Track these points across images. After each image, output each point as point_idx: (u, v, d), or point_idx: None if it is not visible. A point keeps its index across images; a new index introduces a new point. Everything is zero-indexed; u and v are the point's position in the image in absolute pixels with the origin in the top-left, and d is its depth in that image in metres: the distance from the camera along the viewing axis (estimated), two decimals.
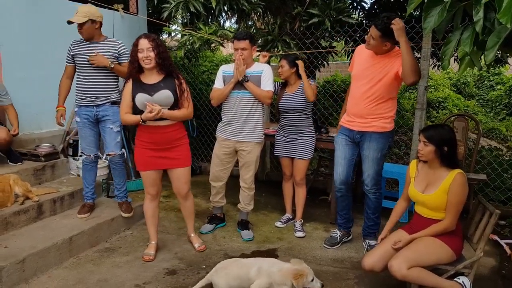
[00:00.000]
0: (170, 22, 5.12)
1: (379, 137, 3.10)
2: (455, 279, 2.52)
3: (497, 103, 10.54)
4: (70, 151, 4.36)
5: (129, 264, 3.08)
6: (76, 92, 3.46)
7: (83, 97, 3.42)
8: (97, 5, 4.73)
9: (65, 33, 4.42)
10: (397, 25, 2.77)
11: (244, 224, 3.68)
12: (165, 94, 2.89)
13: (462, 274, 2.53)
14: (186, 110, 2.99)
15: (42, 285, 2.77)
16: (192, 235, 3.40)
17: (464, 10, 1.86)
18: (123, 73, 3.33)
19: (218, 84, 3.45)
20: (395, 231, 2.72)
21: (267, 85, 3.35)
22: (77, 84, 3.46)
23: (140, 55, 2.86)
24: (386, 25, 2.81)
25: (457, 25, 1.92)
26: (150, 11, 6.34)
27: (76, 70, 3.47)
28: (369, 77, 3.04)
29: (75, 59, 3.44)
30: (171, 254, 3.26)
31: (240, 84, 3.32)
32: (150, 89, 2.90)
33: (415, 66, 2.80)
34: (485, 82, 11.85)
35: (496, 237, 3.58)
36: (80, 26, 3.32)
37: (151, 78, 2.95)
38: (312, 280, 2.47)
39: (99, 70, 3.37)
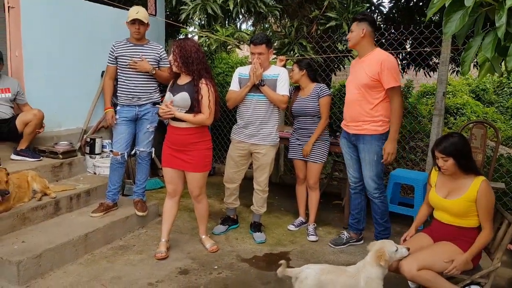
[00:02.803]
0: (188, 24, 5.16)
1: (371, 139, 3.15)
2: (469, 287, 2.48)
3: None
4: (88, 149, 4.44)
5: (143, 262, 3.12)
6: (119, 93, 3.56)
7: (127, 98, 3.52)
8: (116, 6, 4.84)
9: (84, 33, 4.54)
10: None
11: (256, 226, 3.68)
12: (182, 96, 2.95)
13: (478, 284, 2.48)
14: (202, 116, 2.97)
15: (57, 280, 2.82)
16: (203, 237, 3.41)
17: (486, 15, 1.83)
18: (163, 78, 3.49)
19: (234, 86, 3.47)
20: (416, 234, 2.70)
21: (283, 89, 3.34)
22: (120, 84, 3.56)
23: (170, 57, 3.03)
24: (359, 16, 3.15)
25: (478, 31, 1.89)
26: (168, 12, 6.42)
27: (119, 70, 3.55)
28: (354, 82, 3.18)
29: (118, 60, 3.52)
30: (184, 254, 3.28)
31: (256, 87, 3.33)
32: (176, 90, 3.02)
33: None
34: (505, 89, 11.62)
35: None
36: (139, 26, 3.45)
37: (182, 79, 3.06)
38: (397, 250, 2.37)
39: (141, 72, 3.49)
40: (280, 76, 3.36)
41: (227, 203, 3.72)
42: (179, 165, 3.10)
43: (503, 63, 1.86)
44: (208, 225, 3.52)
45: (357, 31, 3.11)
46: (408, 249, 2.41)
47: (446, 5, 1.81)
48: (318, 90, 3.57)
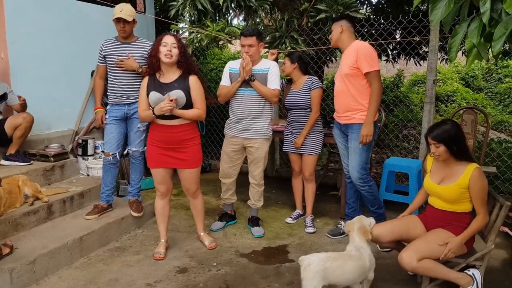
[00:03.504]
0: (178, 20, 5.12)
1: (358, 128, 3.20)
2: (465, 271, 2.51)
3: (506, 96, 10.40)
4: (80, 151, 4.40)
5: (140, 263, 3.10)
6: (109, 91, 3.53)
7: (116, 96, 3.48)
8: (104, 4, 4.79)
9: (74, 33, 4.49)
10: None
11: (254, 221, 3.68)
12: (178, 94, 2.88)
13: (473, 266, 2.51)
14: (199, 111, 2.97)
15: (53, 285, 2.78)
16: (202, 234, 3.40)
17: (471, 2, 1.83)
18: None
19: (225, 81, 3.45)
20: (408, 215, 2.76)
21: (274, 83, 3.33)
22: (109, 83, 3.52)
23: (162, 49, 2.87)
24: (336, 17, 3.39)
25: (464, 17, 1.89)
26: (158, 9, 6.36)
27: (108, 69, 3.52)
28: (339, 74, 3.31)
29: (107, 59, 3.49)
30: (181, 252, 3.27)
31: (246, 82, 3.31)
32: (164, 88, 2.91)
33: None
34: (493, 75, 11.69)
35: (506, 229, 3.55)
36: (124, 24, 3.39)
37: (167, 76, 2.96)
38: (370, 222, 2.62)
39: (129, 70, 3.44)
40: (271, 70, 3.34)
41: (224, 199, 3.72)
42: (172, 163, 3.06)
43: (490, 49, 1.87)
44: (206, 222, 3.51)
45: (336, 29, 3.27)
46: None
47: None
48: (310, 83, 3.56)
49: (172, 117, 2.91)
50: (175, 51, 2.88)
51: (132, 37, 3.52)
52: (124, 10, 3.36)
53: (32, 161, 3.85)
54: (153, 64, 2.95)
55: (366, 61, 3.10)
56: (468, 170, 2.43)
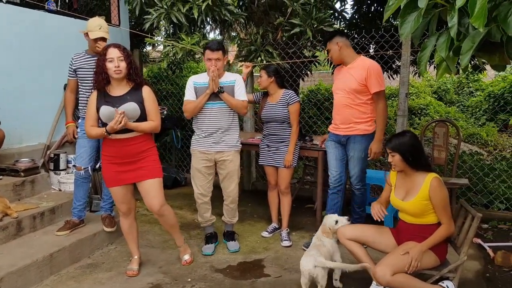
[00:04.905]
0: (154, 33, 5.10)
1: (361, 138, 3.36)
2: (439, 283, 2.53)
3: (477, 109, 10.74)
4: (52, 166, 4.28)
5: (112, 280, 3.01)
6: (80, 105, 3.46)
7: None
8: (78, 18, 4.74)
9: (46, 45, 4.40)
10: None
11: (230, 235, 3.63)
12: (131, 107, 2.78)
13: (447, 278, 2.54)
14: (154, 123, 2.88)
15: None
16: (181, 247, 3.30)
17: (439, 17, 1.89)
18: None
19: (190, 95, 3.30)
20: (382, 227, 2.83)
21: (242, 94, 3.31)
22: (80, 96, 3.46)
23: (110, 65, 2.77)
24: (328, 36, 3.46)
25: (432, 31, 1.95)
26: (133, 23, 6.33)
27: (79, 83, 3.45)
28: (342, 87, 3.38)
29: (77, 72, 3.43)
30: (155, 268, 3.20)
31: (215, 95, 3.23)
32: (116, 101, 2.79)
33: None
34: (465, 88, 12.09)
35: (479, 241, 3.62)
36: (101, 41, 3.32)
37: (118, 89, 2.86)
38: (337, 222, 2.86)
39: None
40: (237, 82, 3.32)
41: (205, 221, 3.54)
42: (132, 178, 2.90)
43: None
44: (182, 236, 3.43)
45: (333, 48, 3.34)
46: (348, 219, 2.89)
47: (402, 8, 1.86)
48: (287, 97, 3.58)
49: (126, 130, 2.79)
50: (123, 65, 2.78)
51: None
52: (103, 27, 3.31)
53: (1, 176, 3.72)
54: (100, 81, 2.82)
55: (377, 80, 3.24)
56: (427, 181, 2.49)
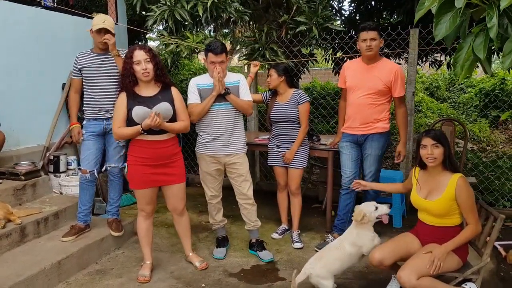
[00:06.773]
0: (149, 30, 4.97)
1: (380, 136, 3.39)
2: (462, 285, 2.51)
3: (468, 106, 10.85)
4: (51, 168, 4.15)
5: (123, 287, 2.92)
6: (85, 106, 3.33)
7: (94, 111, 3.29)
8: (76, 14, 4.59)
9: (42, 44, 4.25)
10: None
11: (259, 245, 3.44)
12: (165, 106, 2.78)
13: (470, 280, 2.52)
14: (185, 122, 2.90)
15: None
16: (191, 254, 3.25)
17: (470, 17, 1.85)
18: None
19: (195, 98, 3.16)
20: (402, 233, 2.74)
21: (247, 94, 3.24)
22: (85, 97, 3.33)
23: (137, 68, 2.74)
24: (373, 25, 3.31)
25: (464, 32, 1.91)
26: (128, 19, 6.17)
27: (84, 83, 3.32)
28: (366, 86, 3.33)
29: (82, 72, 3.30)
30: (167, 274, 3.11)
31: (220, 96, 3.13)
32: (149, 102, 2.78)
33: None
34: (456, 85, 12.20)
35: None
36: (106, 34, 3.19)
37: (147, 90, 2.84)
38: (377, 209, 2.71)
39: (108, 82, 3.27)
40: (241, 82, 3.24)
41: (217, 223, 3.46)
42: (161, 181, 2.92)
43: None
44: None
45: (378, 39, 3.28)
46: (390, 205, 2.76)
47: (436, 7, 1.81)
48: (297, 97, 3.51)
49: (160, 131, 2.80)
50: (150, 66, 2.76)
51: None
52: (107, 21, 3.21)
53: (1, 180, 3.59)
54: (127, 84, 2.79)
55: (402, 85, 3.34)
56: (453, 180, 2.45)
